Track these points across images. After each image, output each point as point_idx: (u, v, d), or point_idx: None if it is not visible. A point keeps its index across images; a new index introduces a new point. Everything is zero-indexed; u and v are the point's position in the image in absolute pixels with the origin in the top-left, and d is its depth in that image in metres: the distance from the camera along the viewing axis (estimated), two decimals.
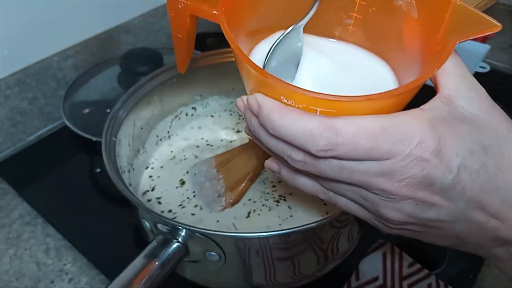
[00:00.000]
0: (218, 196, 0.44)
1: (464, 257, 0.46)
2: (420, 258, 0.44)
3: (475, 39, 0.67)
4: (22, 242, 0.49)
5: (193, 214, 0.44)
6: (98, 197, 0.54)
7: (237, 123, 0.55)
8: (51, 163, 0.58)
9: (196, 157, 0.50)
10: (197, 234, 0.33)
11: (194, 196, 0.46)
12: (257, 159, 0.45)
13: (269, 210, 0.43)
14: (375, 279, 0.43)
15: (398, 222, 0.23)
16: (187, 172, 0.48)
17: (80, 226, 0.50)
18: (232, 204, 0.44)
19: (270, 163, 0.27)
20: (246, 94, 0.25)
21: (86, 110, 0.62)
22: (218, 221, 0.43)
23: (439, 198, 0.22)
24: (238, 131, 0.54)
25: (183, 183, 0.47)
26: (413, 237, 0.26)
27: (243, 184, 0.44)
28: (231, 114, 0.56)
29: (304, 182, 0.26)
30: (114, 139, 0.42)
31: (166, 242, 0.34)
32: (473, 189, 0.22)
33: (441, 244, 0.26)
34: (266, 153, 0.44)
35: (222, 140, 0.53)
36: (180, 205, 0.45)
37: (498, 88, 0.71)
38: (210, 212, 0.44)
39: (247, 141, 0.49)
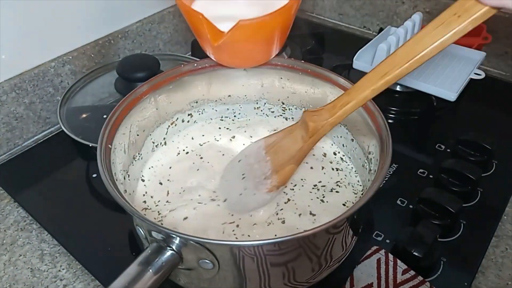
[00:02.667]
0: (265, 178, 0.44)
1: (459, 264, 0.46)
2: (415, 265, 0.44)
3: (470, 46, 0.68)
4: (17, 248, 0.49)
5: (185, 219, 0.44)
6: (94, 203, 0.54)
7: (233, 130, 0.55)
8: (47, 168, 0.58)
9: (192, 163, 0.50)
10: (191, 242, 0.33)
11: (191, 200, 0.46)
12: (302, 141, 0.43)
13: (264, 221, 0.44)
14: (370, 285, 0.43)
15: None
16: (183, 184, 0.48)
17: (76, 232, 0.50)
18: (278, 187, 0.43)
19: None
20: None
21: (83, 116, 0.62)
22: (211, 228, 0.43)
23: None
24: (234, 137, 0.54)
25: (179, 188, 0.47)
26: None
27: (288, 167, 0.43)
28: (231, 121, 0.57)
29: None
30: (110, 146, 0.42)
31: (160, 250, 0.34)
32: None
33: None
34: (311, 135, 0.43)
35: (218, 147, 0.53)
36: (173, 210, 0.45)
37: (493, 95, 0.71)
38: (204, 217, 0.44)
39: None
